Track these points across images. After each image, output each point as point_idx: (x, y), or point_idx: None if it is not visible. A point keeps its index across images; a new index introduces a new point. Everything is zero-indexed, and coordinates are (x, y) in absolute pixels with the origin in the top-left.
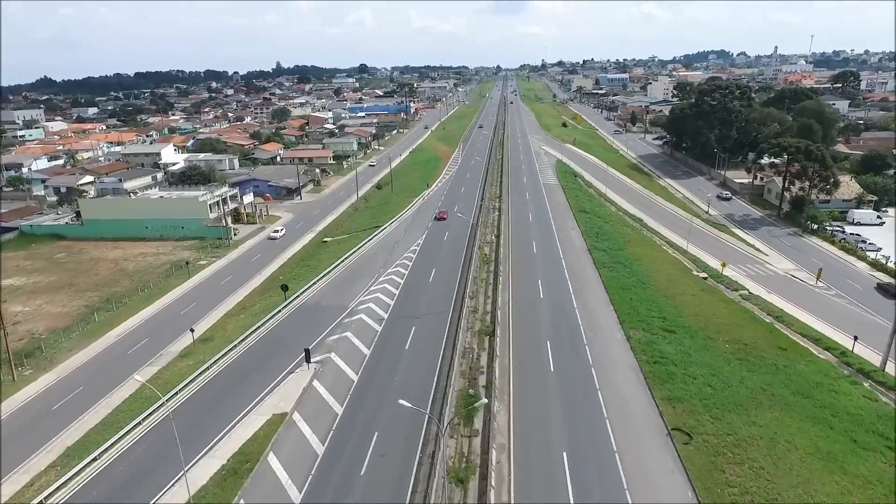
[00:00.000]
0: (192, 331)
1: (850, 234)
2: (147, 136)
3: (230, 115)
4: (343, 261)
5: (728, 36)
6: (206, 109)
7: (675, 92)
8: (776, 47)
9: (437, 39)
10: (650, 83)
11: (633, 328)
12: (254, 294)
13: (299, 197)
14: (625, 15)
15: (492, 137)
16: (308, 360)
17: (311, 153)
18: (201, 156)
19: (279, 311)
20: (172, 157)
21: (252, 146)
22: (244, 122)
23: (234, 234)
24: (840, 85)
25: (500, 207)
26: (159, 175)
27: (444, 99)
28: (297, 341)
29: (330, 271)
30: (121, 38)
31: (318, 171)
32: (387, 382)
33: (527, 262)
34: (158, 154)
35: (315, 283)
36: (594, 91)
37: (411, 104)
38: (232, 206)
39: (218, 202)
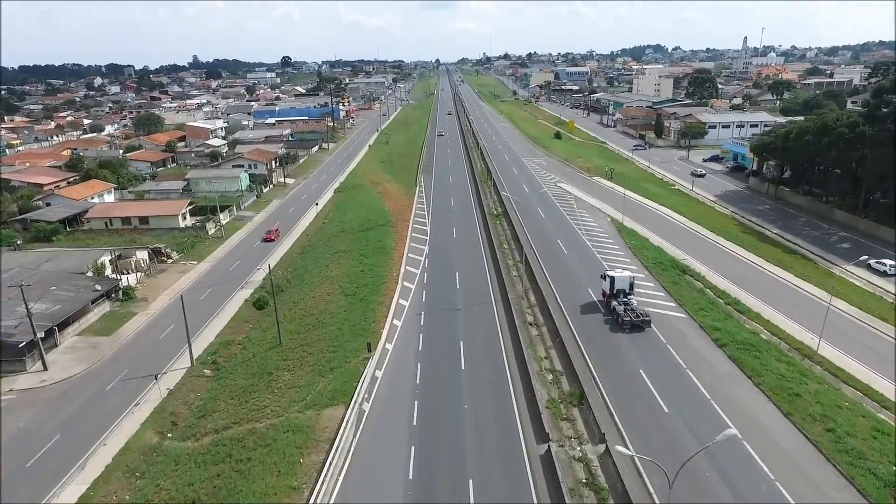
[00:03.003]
0: None
1: None
2: None
3: (87, 122)
4: None
5: (648, 32)
6: (63, 114)
7: (691, 88)
8: (745, 38)
9: (368, 35)
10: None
11: None
12: None
13: (40, 364)
14: (554, 13)
15: (467, 161)
16: None
17: (150, 208)
18: None
19: None
20: None
21: (53, 188)
22: (103, 132)
23: None
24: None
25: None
26: None
27: (382, 97)
28: None
29: None
30: (15, 31)
31: (140, 259)
32: None
33: None
34: None
35: None
36: (564, 87)
37: (340, 106)
38: None
39: None
